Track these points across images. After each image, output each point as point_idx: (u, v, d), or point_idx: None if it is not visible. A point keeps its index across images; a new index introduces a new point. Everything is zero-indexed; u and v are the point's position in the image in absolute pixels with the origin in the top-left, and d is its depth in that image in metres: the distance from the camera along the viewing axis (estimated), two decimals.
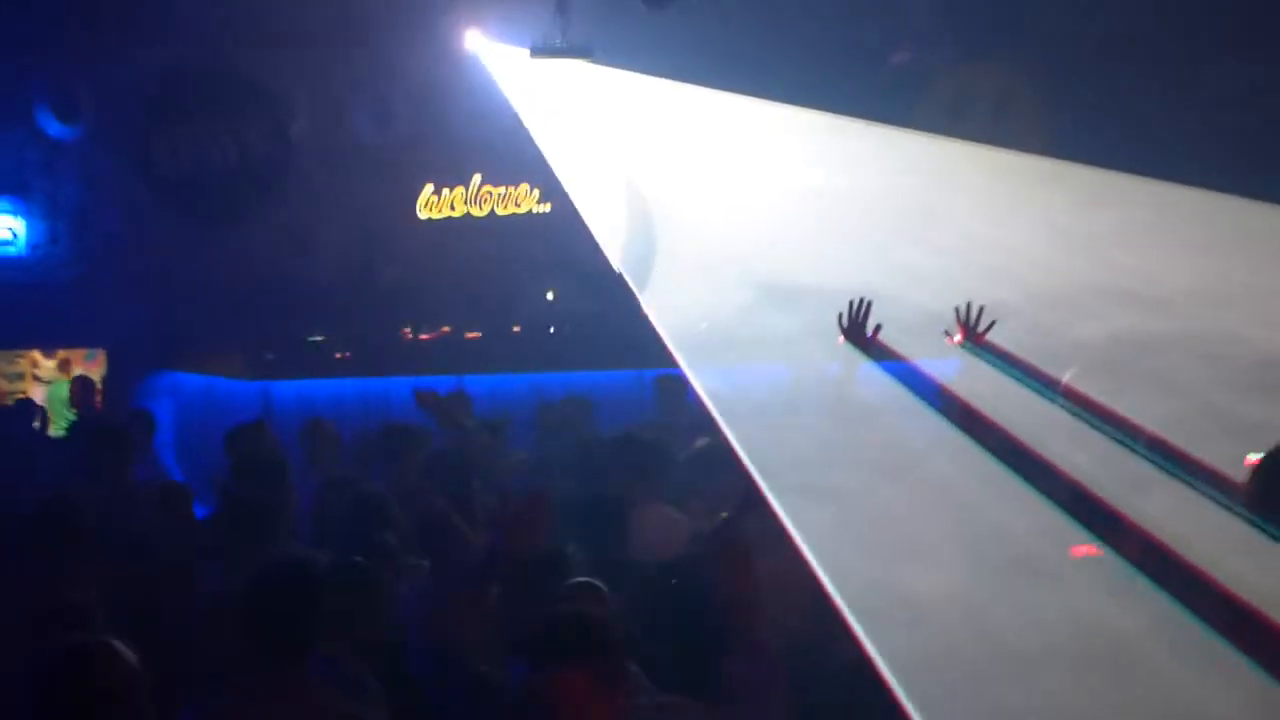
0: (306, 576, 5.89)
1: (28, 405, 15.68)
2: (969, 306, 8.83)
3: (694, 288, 13.65)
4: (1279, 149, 13.16)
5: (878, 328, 9.17)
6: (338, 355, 16.46)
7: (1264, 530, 6.05)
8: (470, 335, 17.07)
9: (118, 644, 4.78)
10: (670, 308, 13.63)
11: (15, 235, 16.38)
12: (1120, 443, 8.01)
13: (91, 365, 16.81)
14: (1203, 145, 13.43)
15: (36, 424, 15.18)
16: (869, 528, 8.91)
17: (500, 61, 14.43)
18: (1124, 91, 15.17)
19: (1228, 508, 6.63)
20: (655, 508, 8.79)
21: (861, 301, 8.96)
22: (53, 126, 16.02)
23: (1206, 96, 14.48)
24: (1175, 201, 12.45)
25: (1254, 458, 8.81)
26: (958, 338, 9.02)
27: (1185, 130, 13.44)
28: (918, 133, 13.51)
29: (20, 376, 17.14)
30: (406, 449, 9.92)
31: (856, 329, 9.02)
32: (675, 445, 10.03)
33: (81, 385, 15.98)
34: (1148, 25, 14.71)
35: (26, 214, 16.35)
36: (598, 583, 6.29)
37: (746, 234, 13.67)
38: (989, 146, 13.78)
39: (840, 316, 9.16)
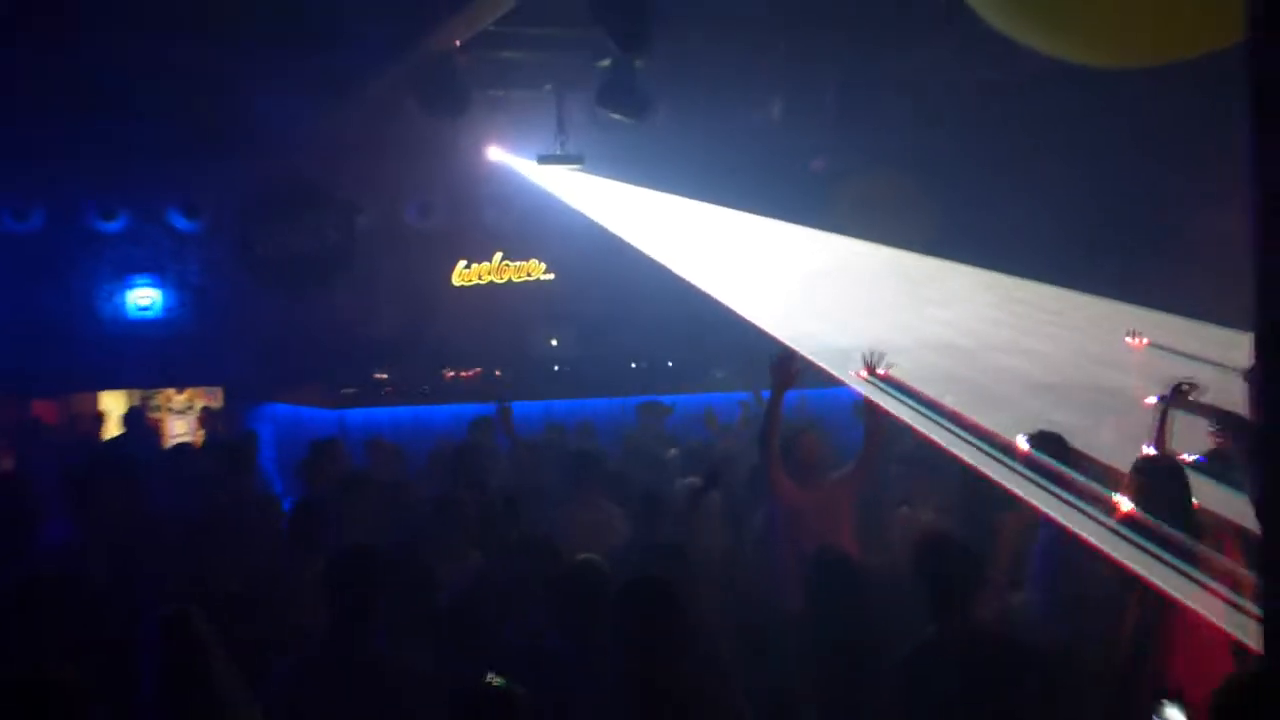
0: (370, 561, 5.90)
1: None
2: (872, 352, 9.40)
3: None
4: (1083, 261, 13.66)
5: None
6: (388, 389, 16.34)
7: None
8: (496, 373, 16.73)
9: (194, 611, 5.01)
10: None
11: (153, 303, 16.23)
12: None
13: (211, 399, 17.16)
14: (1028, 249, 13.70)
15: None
16: None
17: (515, 167, 14.62)
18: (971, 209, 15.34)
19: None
20: None
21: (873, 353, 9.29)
22: (181, 223, 16.14)
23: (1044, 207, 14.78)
24: (1011, 286, 13.26)
25: (1022, 438, 9.51)
26: (863, 372, 9.58)
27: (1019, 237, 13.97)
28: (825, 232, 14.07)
29: (158, 408, 17.45)
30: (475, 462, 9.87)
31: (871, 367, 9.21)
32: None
33: (207, 414, 16.51)
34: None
35: (162, 287, 16.32)
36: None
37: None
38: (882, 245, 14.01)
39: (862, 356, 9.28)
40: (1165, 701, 5.00)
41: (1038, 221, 14.39)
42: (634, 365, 16.01)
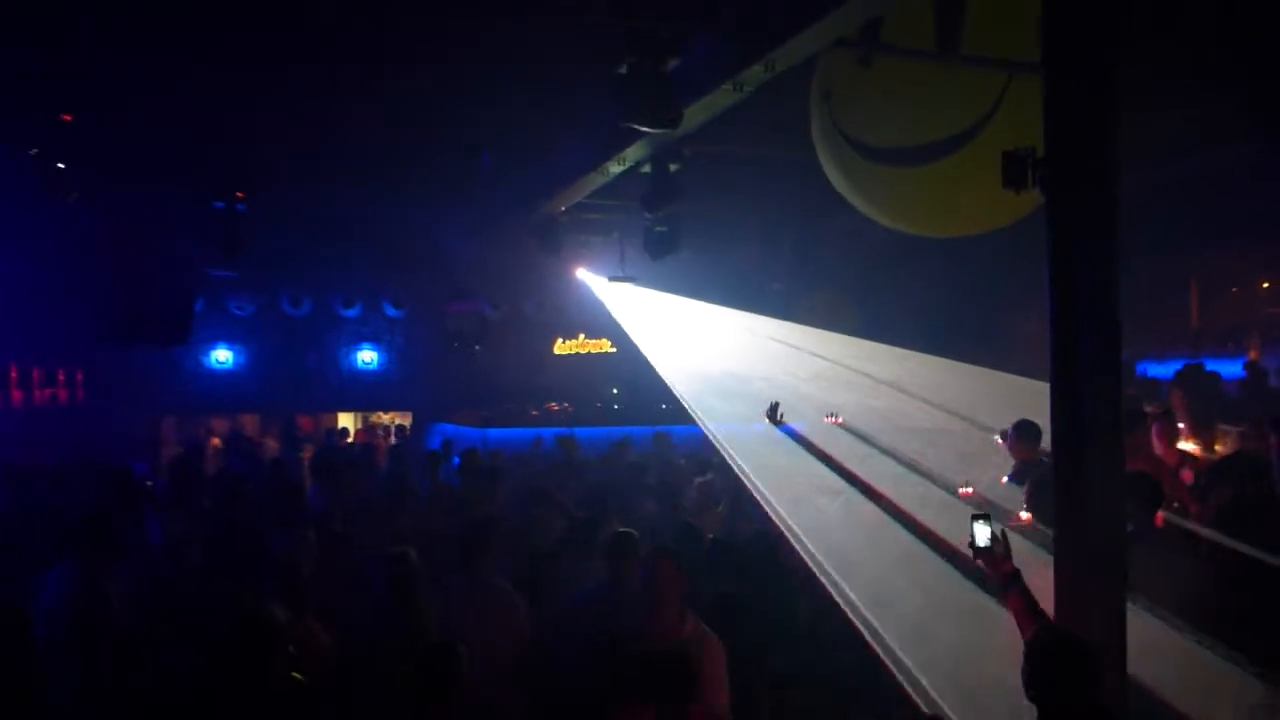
0: (488, 525, 5.79)
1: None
2: (775, 404, 9.16)
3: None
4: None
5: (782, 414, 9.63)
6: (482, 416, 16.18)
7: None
8: (575, 408, 16.65)
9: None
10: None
11: (372, 360, 16.44)
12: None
13: (404, 418, 17.05)
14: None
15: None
16: None
17: (594, 281, 14.18)
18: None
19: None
20: None
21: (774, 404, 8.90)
22: (390, 311, 16.28)
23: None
24: (893, 355, 12.24)
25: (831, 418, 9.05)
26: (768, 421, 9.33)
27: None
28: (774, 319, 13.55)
29: (374, 423, 17.35)
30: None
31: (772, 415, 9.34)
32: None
33: (401, 429, 16.45)
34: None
35: (377, 350, 16.51)
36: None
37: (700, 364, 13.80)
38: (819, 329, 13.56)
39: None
40: (977, 519, 4.09)
41: (917, 316, 13.82)
42: (663, 406, 15.76)
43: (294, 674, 4.27)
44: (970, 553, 4.08)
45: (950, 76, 5.91)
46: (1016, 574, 3.97)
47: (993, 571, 4.03)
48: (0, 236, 11.91)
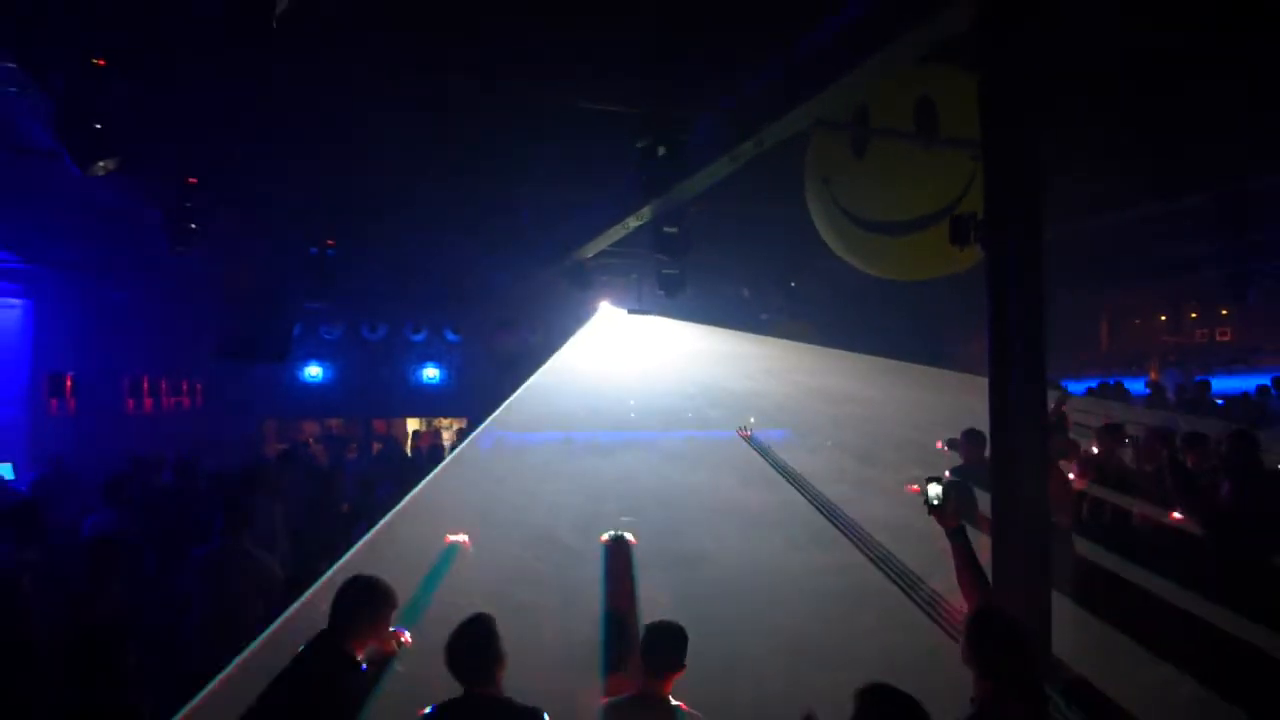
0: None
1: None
2: (750, 421, 9.02)
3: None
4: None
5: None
6: None
7: None
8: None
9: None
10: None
11: (436, 376, 16.00)
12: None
13: (461, 423, 16.47)
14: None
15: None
16: None
17: (616, 314, 13.56)
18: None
19: None
20: None
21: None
22: (451, 336, 15.96)
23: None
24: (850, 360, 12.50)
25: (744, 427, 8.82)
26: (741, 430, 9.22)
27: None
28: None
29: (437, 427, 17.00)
30: None
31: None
32: None
33: (459, 431, 16.22)
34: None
35: (440, 368, 16.03)
36: None
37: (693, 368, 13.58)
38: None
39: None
40: (930, 480, 3.93)
41: (881, 340, 13.51)
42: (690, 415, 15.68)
43: None
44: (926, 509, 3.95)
45: (931, 160, 5.99)
46: (961, 529, 3.85)
47: (941, 525, 3.91)
48: (137, 275, 12.26)
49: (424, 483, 7.53)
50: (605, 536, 4.75)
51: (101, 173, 5.46)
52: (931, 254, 6.20)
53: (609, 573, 4.53)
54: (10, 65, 5.44)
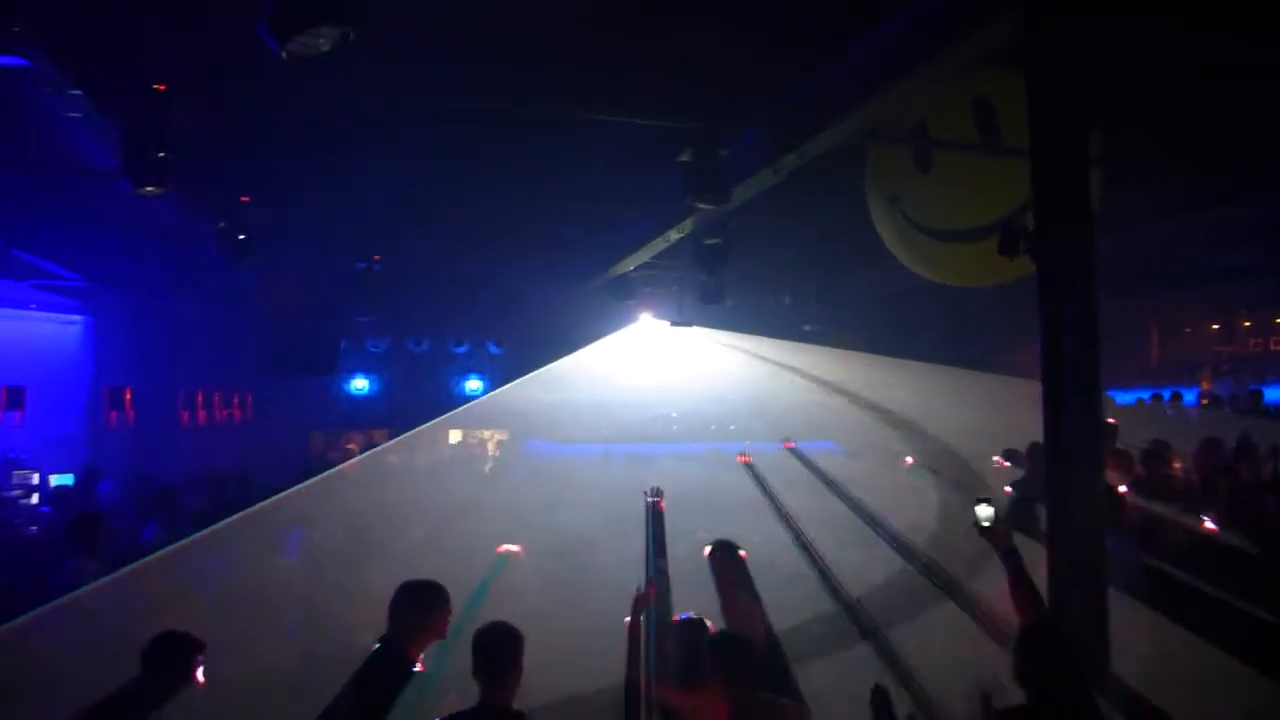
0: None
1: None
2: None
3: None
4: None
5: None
6: None
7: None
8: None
9: None
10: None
11: (479, 388, 16.04)
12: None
13: (504, 434, 16.05)
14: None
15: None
16: None
17: (658, 327, 13.96)
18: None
19: None
20: None
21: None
22: (493, 349, 16.23)
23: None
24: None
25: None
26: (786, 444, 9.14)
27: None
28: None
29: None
30: None
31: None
32: None
33: (500, 442, 15.96)
34: None
35: (482, 379, 16.18)
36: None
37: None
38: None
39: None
40: (980, 501, 3.91)
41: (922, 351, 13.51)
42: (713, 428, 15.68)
43: None
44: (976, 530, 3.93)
45: (998, 164, 5.95)
46: (1013, 549, 3.83)
47: (993, 544, 3.88)
48: (190, 291, 12.46)
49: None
50: (707, 550, 4.77)
51: (152, 195, 5.58)
52: (994, 261, 6.11)
53: (719, 585, 4.55)
54: (75, 93, 5.58)
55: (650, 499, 5.31)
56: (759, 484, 8.54)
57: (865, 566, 6.32)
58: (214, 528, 6.13)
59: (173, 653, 3.57)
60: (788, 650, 4.42)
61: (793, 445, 9.45)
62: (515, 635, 3.58)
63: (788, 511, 7.67)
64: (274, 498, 7.11)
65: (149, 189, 5.37)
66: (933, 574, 6.06)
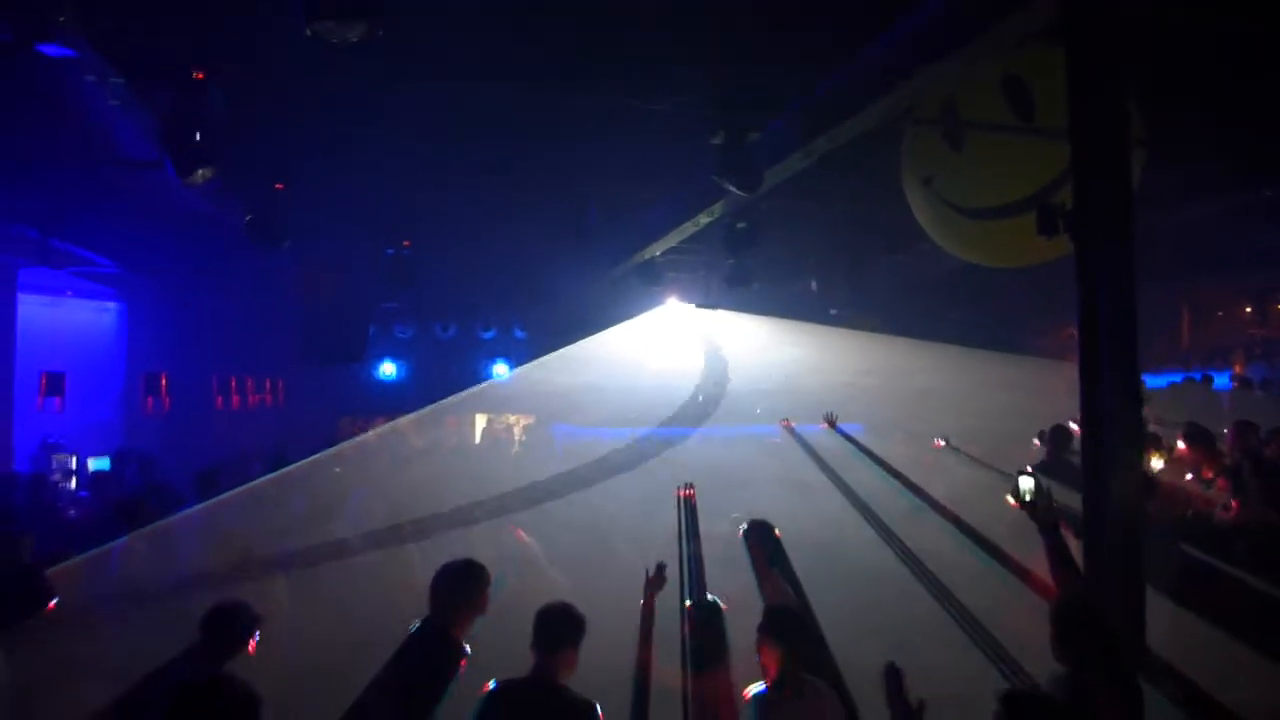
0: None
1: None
2: (831, 413, 8.96)
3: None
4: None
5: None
6: None
7: None
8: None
9: None
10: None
11: (505, 373, 15.97)
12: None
13: (530, 419, 16.23)
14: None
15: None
16: None
17: (685, 309, 14.21)
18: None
19: None
20: None
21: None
22: (519, 334, 16.17)
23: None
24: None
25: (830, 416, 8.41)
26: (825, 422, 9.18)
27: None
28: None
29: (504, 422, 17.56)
30: None
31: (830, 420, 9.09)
32: None
33: (525, 426, 16.04)
34: None
35: (509, 363, 16.12)
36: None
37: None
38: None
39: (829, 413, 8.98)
40: (1021, 474, 3.91)
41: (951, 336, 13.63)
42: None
43: None
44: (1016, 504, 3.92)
45: (1029, 143, 5.89)
46: (1055, 524, 3.82)
47: (1033, 519, 3.87)
48: (222, 279, 12.65)
49: None
50: (742, 529, 4.86)
51: (201, 181, 5.67)
52: (1029, 239, 6.05)
53: (754, 564, 4.64)
54: (115, 80, 5.66)
55: (682, 493, 5.52)
56: (795, 461, 8.51)
57: (919, 535, 6.42)
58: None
59: (231, 622, 3.71)
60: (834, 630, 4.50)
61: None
62: (578, 619, 3.71)
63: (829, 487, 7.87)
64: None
65: (199, 173, 5.43)
66: (981, 548, 6.06)
